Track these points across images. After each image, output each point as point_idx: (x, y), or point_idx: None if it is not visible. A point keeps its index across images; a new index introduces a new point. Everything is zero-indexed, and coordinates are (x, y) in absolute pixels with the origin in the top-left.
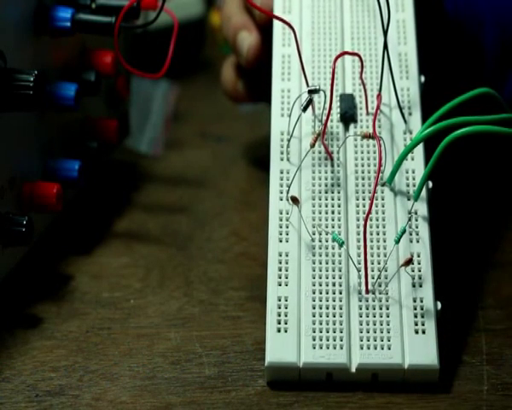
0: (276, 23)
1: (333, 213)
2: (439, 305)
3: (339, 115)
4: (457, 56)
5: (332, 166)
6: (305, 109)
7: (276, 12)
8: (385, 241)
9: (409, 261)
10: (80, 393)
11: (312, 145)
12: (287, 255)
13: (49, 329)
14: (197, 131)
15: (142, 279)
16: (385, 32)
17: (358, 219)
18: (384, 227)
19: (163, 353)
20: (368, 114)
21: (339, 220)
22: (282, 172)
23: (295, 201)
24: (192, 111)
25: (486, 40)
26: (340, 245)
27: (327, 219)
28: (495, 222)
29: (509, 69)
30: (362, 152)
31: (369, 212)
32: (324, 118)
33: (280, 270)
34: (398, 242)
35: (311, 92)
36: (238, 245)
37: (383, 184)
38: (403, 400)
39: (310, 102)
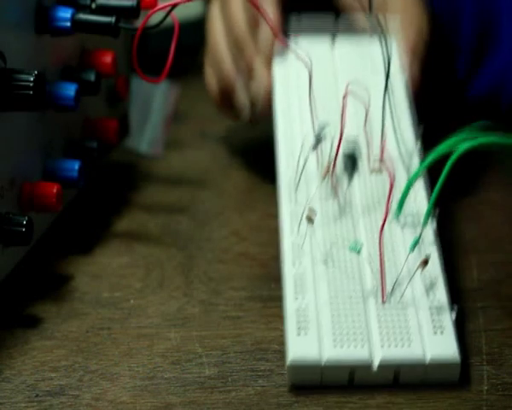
0: (276, 68)
1: (343, 239)
2: (456, 308)
3: (343, 159)
4: (432, 53)
5: (338, 201)
6: (314, 148)
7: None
8: (396, 251)
9: (425, 263)
10: (80, 393)
11: (323, 177)
12: (302, 277)
13: (49, 329)
14: (197, 131)
15: (142, 279)
16: (387, 75)
17: (370, 232)
18: (394, 245)
19: (163, 353)
20: (369, 162)
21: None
22: (291, 203)
23: (310, 219)
24: (192, 111)
25: (464, 30)
26: (358, 252)
27: (337, 242)
28: (495, 217)
29: (482, 63)
30: (366, 188)
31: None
32: (332, 154)
33: (296, 287)
34: (412, 249)
35: (318, 139)
36: (238, 245)
37: (390, 221)
38: (403, 399)
39: (319, 141)
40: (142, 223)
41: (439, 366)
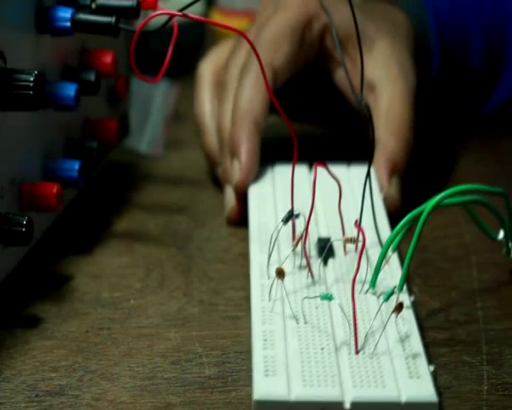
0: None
1: (316, 307)
2: (432, 368)
3: (316, 249)
4: (443, 87)
5: (312, 273)
6: (285, 222)
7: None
8: (370, 312)
9: (400, 307)
10: (80, 393)
11: (295, 245)
12: (271, 333)
13: (49, 329)
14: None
15: (142, 279)
16: (369, 162)
17: (344, 295)
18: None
19: (163, 353)
20: (346, 252)
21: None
22: (262, 279)
23: (280, 274)
24: (192, 111)
25: (473, 54)
26: (330, 299)
27: (309, 301)
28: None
29: (495, 81)
30: (341, 263)
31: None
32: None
33: (265, 341)
34: (386, 299)
35: (290, 213)
36: (238, 245)
37: (366, 292)
38: None
39: (290, 216)
40: (142, 223)
41: (415, 406)
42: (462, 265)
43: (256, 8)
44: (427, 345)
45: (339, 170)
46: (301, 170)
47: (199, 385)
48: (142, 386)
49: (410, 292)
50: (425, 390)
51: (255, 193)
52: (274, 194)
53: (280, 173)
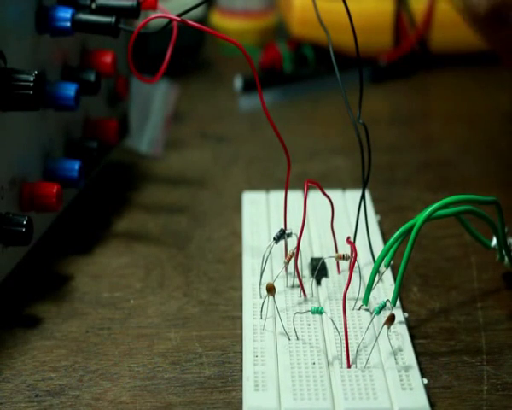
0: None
1: (309, 324)
2: (425, 381)
3: (310, 269)
4: None
5: (304, 291)
6: (276, 241)
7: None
8: (363, 327)
9: (392, 319)
10: (80, 393)
11: (287, 262)
12: (262, 350)
13: (49, 329)
14: (197, 131)
15: (142, 279)
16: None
17: (336, 311)
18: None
19: (163, 353)
20: (339, 272)
21: (315, 326)
22: (254, 298)
23: (270, 290)
24: (192, 111)
25: None
26: (320, 313)
27: (301, 317)
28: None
29: None
30: (334, 281)
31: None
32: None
33: (256, 357)
34: (378, 312)
35: (282, 232)
36: (238, 245)
37: (359, 308)
38: None
39: (282, 235)
40: (142, 223)
41: None
42: (462, 265)
43: (255, 8)
44: (426, 345)
45: (334, 194)
46: (297, 196)
47: (199, 385)
48: (142, 386)
49: (409, 293)
50: (418, 402)
51: (249, 218)
52: (268, 219)
53: (274, 199)
